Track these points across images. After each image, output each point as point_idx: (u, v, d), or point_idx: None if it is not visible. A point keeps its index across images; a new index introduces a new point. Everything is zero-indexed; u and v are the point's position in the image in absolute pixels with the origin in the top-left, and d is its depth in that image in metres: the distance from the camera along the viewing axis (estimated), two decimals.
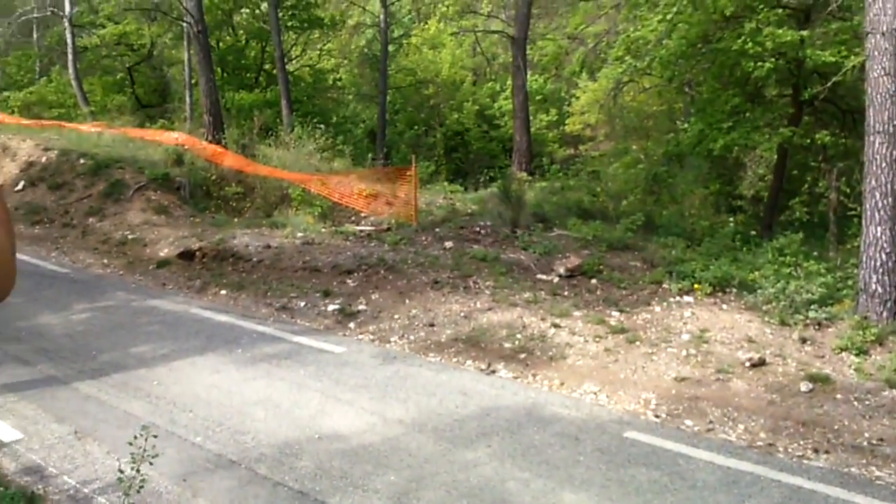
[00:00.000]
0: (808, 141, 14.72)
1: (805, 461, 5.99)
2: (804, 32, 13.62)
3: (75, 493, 5.19)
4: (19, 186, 16.76)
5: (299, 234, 12.99)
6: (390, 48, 27.36)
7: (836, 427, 6.59)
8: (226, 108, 22.36)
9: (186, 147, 17.58)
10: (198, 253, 12.40)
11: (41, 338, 8.75)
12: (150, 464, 4.14)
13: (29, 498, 4.92)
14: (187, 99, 24.14)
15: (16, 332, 8.82)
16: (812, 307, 8.86)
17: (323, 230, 13.44)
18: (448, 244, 12.32)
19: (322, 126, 19.10)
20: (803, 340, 8.32)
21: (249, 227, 13.76)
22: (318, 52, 30.49)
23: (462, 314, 9.50)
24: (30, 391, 7.10)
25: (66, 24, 27.04)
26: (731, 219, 14.70)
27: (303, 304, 10.24)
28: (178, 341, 8.71)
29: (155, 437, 4.11)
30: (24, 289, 10.32)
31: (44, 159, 17.69)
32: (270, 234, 13.14)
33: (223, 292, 10.96)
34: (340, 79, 30.97)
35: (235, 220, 14.95)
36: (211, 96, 19.08)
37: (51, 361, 7.93)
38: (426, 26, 32.23)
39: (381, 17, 26.04)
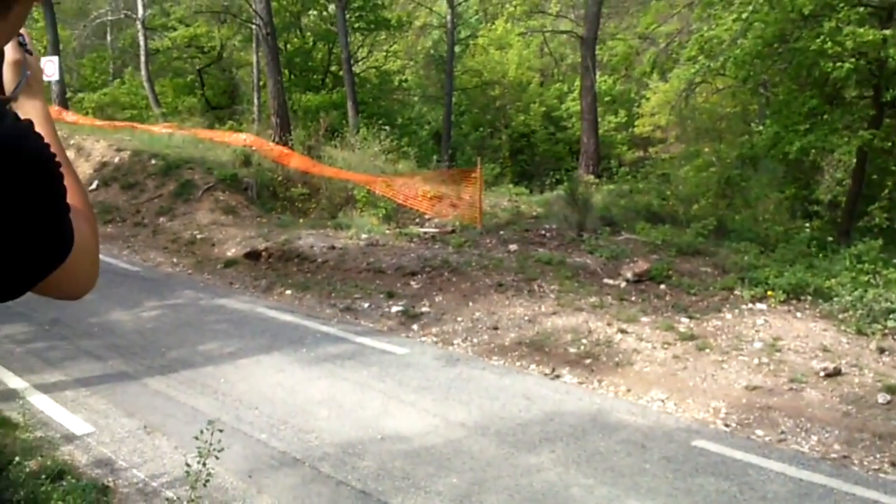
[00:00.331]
0: (889, 144, 14.18)
1: (882, 475, 5.75)
2: (887, 31, 13.11)
3: (144, 487, 5.27)
4: (93, 186, 17.22)
5: (363, 236, 13.04)
6: (457, 49, 27.38)
7: None
8: (293, 110, 22.65)
9: (254, 148, 17.83)
10: (264, 253, 12.54)
11: (113, 334, 8.95)
12: (216, 458, 4.16)
13: (100, 490, 5.01)
14: (255, 100, 24.57)
15: (89, 328, 9.04)
16: (891, 316, 8.49)
17: (387, 232, 13.47)
18: (512, 247, 12.22)
19: (387, 127, 19.19)
20: (881, 350, 7.98)
21: (314, 228, 13.87)
22: (385, 54, 30.68)
23: (526, 318, 9.40)
24: (101, 386, 7.26)
25: (139, 26, 27.75)
26: (807, 224, 14.29)
27: (366, 305, 10.26)
28: (244, 340, 8.81)
29: (220, 431, 4.12)
30: (97, 286, 10.51)
31: (116, 160, 18.14)
32: (335, 235, 13.22)
33: (288, 292, 11.06)
34: (406, 80, 31.12)
35: (301, 220, 15.08)
36: (278, 98, 19.34)
37: (121, 357, 8.10)
38: (493, 26, 32.11)
39: (448, 17, 26.07)
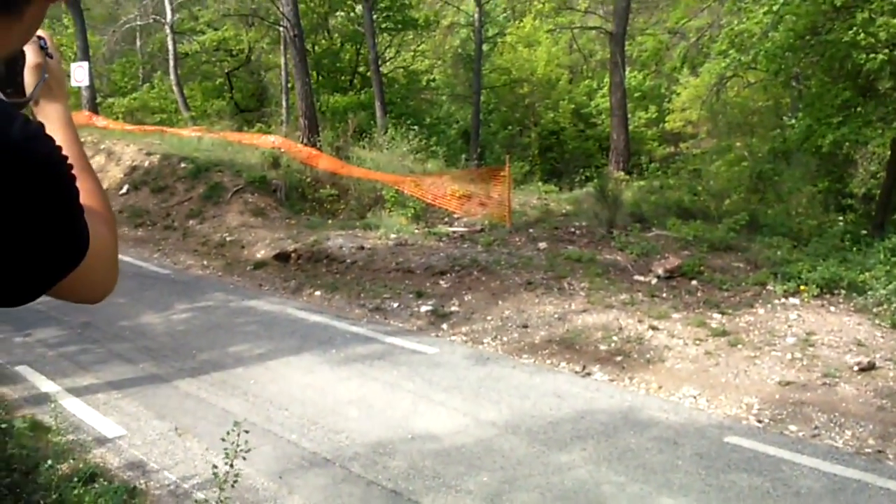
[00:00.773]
0: None
1: None
2: None
3: (175, 489, 5.29)
4: (123, 190, 17.39)
5: (392, 236, 13.04)
6: (484, 47, 27.27)
7: None
8: (321, 111, 22.73)
9: (282, 150, 17.90)
10: (293, 254, 12.58)
11: (143, 337, 9.02)
12: (244, 459, 4.16)
13: (129, 492, 5.03)
14: (284, 103, 24.69)
15: (120, 331, 9.12)
16: None
17: (416, 231, 13.46)
18: (542, 245, 12.14)
19: (415, 127, 19.20)
20: None
21: (343, 229, 13.89)
22: (412, 54, 30.69)
23: (556, 316, 9.33)
24: (133, 388, 7.31)
25: (168, 31, 27.97)
26: (841, 218, 14.06)
27: (396, 305, 10.24)
28: (274, 341, 8.83)
29: (247, 432, 4.12)
30: (127, 289, 10.68)
31: (146, 163, 18.31)
32: (364, 236, 13.23)
33: (317, 293, 11.08)
34: (434, 79, 31.11)
35: (329, 221, 15.12)
36: (306, 99, 19.41)
37: (153, 360, 8.16)
38: (521, 24, 31.92)
39: (476, 16, 25.96)
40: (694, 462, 5.64)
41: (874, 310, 8.74)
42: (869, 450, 5.96)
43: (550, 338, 8.73)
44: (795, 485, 5.29)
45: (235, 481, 4.14)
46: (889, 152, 15.36)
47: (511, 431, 6.23)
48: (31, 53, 1.19)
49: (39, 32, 1.20)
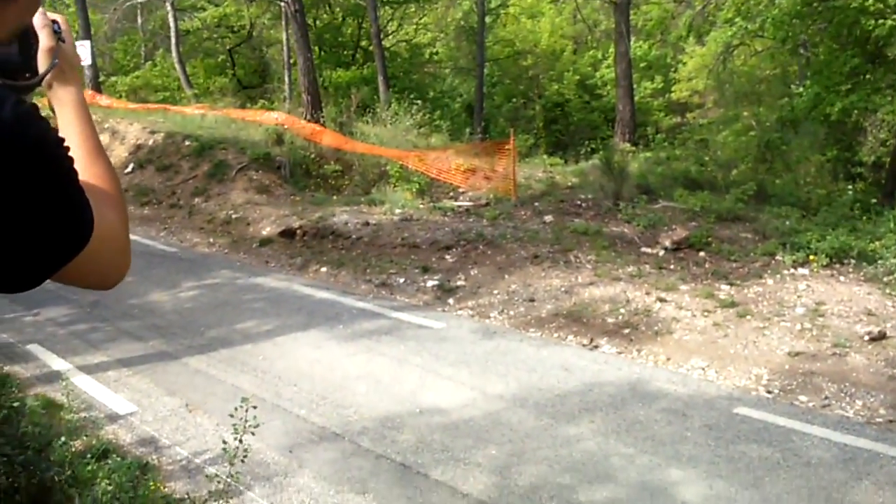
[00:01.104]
0: None
1: None
2: None
3: (188, 464, 5.34)
4: (128, 169, 17.37)
5: (397, 211, 13.03)
6: (487, 19, 26.99)
7: None
8: (324, 87, 22.61)
9: (286, 126, 17.83)
10: (298, 231, 12.58)
11: (152, 314, 9.06)
12: (252, 434, 4.18)
13: (143, 467, 5.07)
14: (286, 79, 24.50)
15: (129, 310, 9.16)
16: None
17: (421, 206, 13.43)
18: (548, 218, 12.12)
19: (419, 101, 19.08)
20: None
21: (348, 205, 13.88)
22: (415, 27, 30.43)
23: (563, 289, 9.32)
24: (143, 366, 7.35)
25: (169, 8, 27.77)
26: (850, 187, 13.98)
27: (402, 280, 10.25)
28: (282, 318, 8.86)
29: (254, 408, 4.14)
30: (135, 268, 10.57)
31: (151, 142, 18.28)
32: (369, 212, 13.22)
33: (324, 269, 11.09)
34: (437, 53, 30.85)
35: (334, 197, 15.10)
36: (309, 75, 19.29)
37: (162, 337, 8.20)
38: None
39: None
40: (703, 433, 5.65)
41: (884, 279, 8.70)
42: (880, 419, 5.96)
43: (557, 311, 8.73)
44: (806, 455, 5.29)
45: (245, 456, 4.16)
46: None
47: (519, 405, 6.25)
48: (44, 37, 1.17)
49: (54, 16, 1.20)
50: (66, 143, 0.95)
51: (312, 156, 17.14)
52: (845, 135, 16.99)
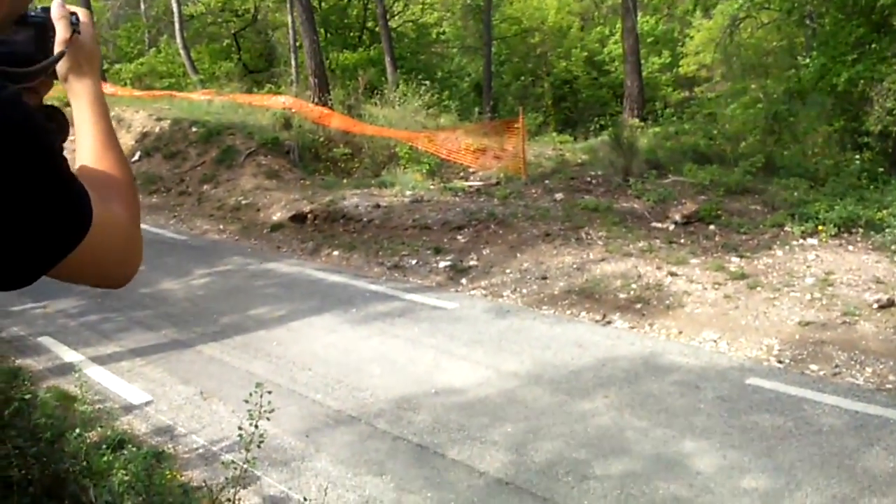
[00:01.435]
0: None
1: None
2: None
3: (204, 452, 5.35)
4: (135, 157, 17.31)
5: (408, 193, 12.99)
6: None
7: None
8: (331, 69, 22.51)
9: (294, 110, 17.76)
10: (309, 215, 12.57)
11: (164, 303, 9.07)
12: (268, 419, 4.18)
13: (159, 456, 5.09)
14: (293, 62, 24.40)
15: (140, 299, 9.16)
16: None
17: (431, 187, 13.40)
18: (558, 196, 12.07)
19: (427, 82, 18.98)
20: None
21: (358, 188, 13.84)
22: (421, 7, 30.22)
23: (575, 266, 9.30)
24: (156, 355, 7.36)
25: None
26: (857, 156, 13.90)
27: (414, 261, 10.24)
28: (295, 302, 8.86)
29: (269, 393, 4.14)
30: (146, 257, 10.50)
31: (157, 129, 18.23)
32: (379, 194, 13.19)
33: (335, 253, 11.09)
34: (444, 32, 30.65)
35: (344, 181, 15.06)
36: (315, 58, 19.20)
37: (174, 326, 8.20)
38: None
39: None
40: (716, 405, 5.66)
41: (892, 247, 8.71)
42: (890, 386, 5.96)
43: (570, 288, 8.72)
44: (817, 423, 5.31)
45: (261, 441, 4.16)
46: None
47: (533, 382, 6.26)
48: (60, 29, 1.15)
49: (74, 9, 1.18)
50: (55, 131, 0.93)
51: (321, 139, 17.09)
52: (852, 104, 16.85)
